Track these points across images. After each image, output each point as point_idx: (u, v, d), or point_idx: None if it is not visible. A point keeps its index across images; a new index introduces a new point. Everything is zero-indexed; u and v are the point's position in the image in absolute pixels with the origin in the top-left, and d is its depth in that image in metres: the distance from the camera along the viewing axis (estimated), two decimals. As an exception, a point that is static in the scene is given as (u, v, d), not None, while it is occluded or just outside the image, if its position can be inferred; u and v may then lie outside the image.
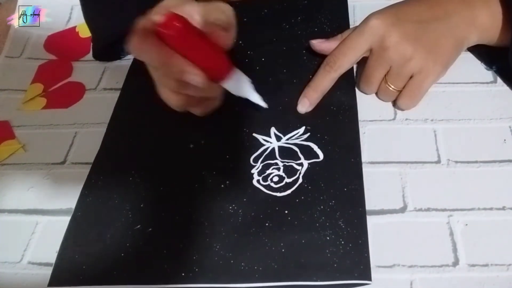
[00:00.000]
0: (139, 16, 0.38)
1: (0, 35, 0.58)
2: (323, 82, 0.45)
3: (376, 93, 0.47)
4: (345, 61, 0.45)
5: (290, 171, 0.42)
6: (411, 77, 0.44)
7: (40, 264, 0.39)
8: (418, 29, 0.43)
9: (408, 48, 0.42)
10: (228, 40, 0.38)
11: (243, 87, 0.41)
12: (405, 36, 0.42)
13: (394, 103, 0.47)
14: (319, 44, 0.48)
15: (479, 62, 0.50)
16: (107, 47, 0.52)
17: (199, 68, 0.37)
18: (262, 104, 0.44)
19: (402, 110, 0.46)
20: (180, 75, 0.37)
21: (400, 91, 0.45)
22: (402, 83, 0.44)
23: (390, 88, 0.45)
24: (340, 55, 0.45)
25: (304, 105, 0.46)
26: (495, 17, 0.44)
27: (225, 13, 0.39)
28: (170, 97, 0.41)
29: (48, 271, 0.38)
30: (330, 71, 0.45)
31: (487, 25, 0.44)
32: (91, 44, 0.54)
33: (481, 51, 0.49)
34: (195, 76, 0.37)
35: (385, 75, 0.45)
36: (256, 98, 0.43)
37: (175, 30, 0.34)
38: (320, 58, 0.47)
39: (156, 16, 0.35)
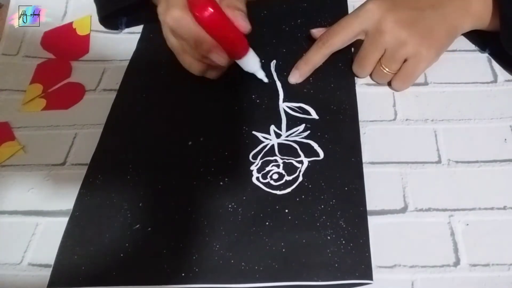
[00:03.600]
0: None
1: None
2: (314, 57, 0.47)
3: (371, 76, 0.49)
4: (337, 40, 0.46)
5: (290, 168, 0.42)
6: (405, 60, 0.45)
7: (40, 265, 0.39)
8: (413, 16, 0.44)
9: (403, 33, 0.44)
10: (247, 27, 0.43)
11: (254, 65, 0.46)
12: (401, 21, 0.44)
13: (389, 85, 0.49)
14: (318, 33, 0.49)
15: (479, 61, 0.50)
16: (112, 14, 0.54)
17: (223, 48, 0.43)
18: (265, 80, 0.47)
19: (397, 91, 0.48)
20: (207, 53, 0.43)
21: (394, 74, 0.46)
22: (397, 66, 0.46)
23: (385, 71, 0.46)
24: (333, 33, 0.46)
25: (295, 76, 0.48)
26: (487, 3, 0.45)
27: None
28: (193, 64, 0.47)
29: (49, 272, 0.38)
30: (322, 47, 0.47)
31: (480, 12, 0.46)
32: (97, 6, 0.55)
33: (474, 35, 0.50)
34: (221, 57, 0.43)
35: (379, 59, 0.46)
36: (262, 76, 0.47)
37: (208, 14, 0.40)
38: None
39: None
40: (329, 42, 0.46)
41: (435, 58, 0.46)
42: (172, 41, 0.46)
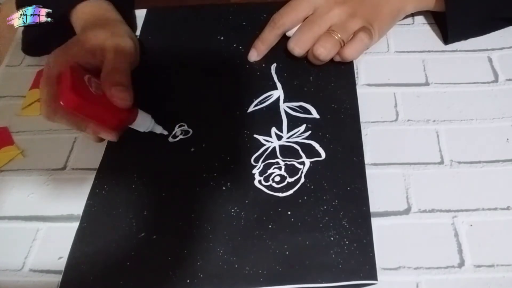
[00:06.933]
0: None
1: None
2: (268, 36, 0.50)
3: (312, 50, 0.47)
4: (288, 20, 0.49)
5: (291, 170, 0.42)
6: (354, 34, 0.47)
7: (42, 271, 0.39)
8: None
9: (351, 9, 0.47)
10: (126, 103, 0.41)
11: (148, 125, 0.44)
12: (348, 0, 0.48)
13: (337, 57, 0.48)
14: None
15: (479, 61, 0.50)
16: (38, 39, 0.52)
17: (106, 124, 0.41)
18: (165, 133, 0.46)
19: (347, 60, 0.48)
20: (96, 134, 0.42)
21: (342, 43, 0.47)
22: (348, 36, 0.47)
23: (336, 37, 0.47)
24: (283, 14, 0.49)
25: (253, 55, 0.51)
26: None
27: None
28: (88, 137, 0.44)
29: (50, 278, 0.38)
30: (274, 27, 0.49)
31: None
32: (22, 36, 0.54)
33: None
34: (108, 136, 0.42)
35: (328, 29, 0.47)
36: (160, 130, 0.45)
37: (73, 105, 0.38)
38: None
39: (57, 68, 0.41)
40: (280, 22, 0.49)
41: (378, 36, 0.49)
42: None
